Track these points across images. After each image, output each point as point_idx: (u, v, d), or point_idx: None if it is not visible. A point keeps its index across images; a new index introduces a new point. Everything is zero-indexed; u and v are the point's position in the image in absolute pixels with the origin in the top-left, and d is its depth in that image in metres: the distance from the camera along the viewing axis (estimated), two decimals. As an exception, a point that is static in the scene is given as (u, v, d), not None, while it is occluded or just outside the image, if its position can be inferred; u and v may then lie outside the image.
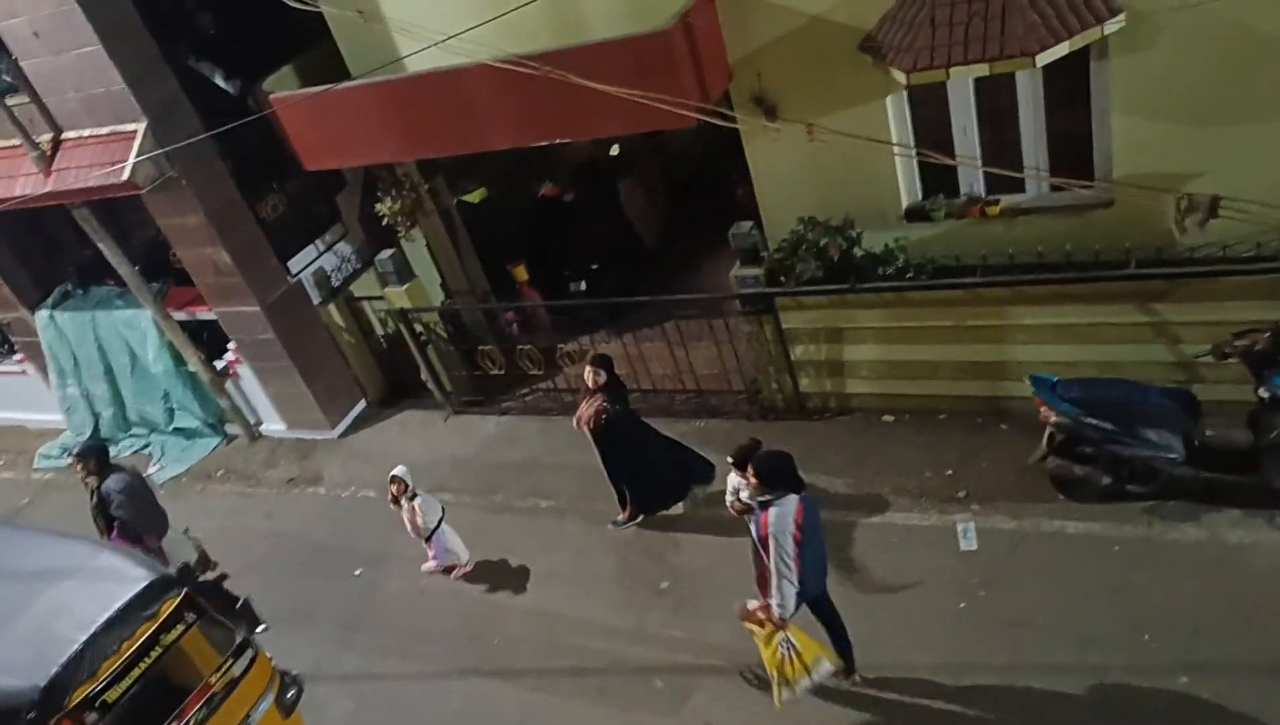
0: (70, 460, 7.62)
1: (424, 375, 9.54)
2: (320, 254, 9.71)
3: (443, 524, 7.48)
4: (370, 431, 9.87)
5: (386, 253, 9.16)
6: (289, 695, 6.17)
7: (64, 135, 8.39)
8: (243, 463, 10.07)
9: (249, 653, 6.01)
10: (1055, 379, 6.28)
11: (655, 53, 6.41)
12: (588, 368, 6.95)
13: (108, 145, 8.14)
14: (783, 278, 7.49)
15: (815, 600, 5.54)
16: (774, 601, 5.19)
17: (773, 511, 5.07)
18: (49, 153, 8.37)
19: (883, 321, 7.30)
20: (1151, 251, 6.54)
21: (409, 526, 7.45)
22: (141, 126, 8.02)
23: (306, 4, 6.82)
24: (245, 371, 9.89)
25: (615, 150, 10.96)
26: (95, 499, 7.20)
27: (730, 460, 5.56)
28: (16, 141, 8.34)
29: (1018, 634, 5.81)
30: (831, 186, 7.44)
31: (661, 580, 7.02)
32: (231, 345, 9.78)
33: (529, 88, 6.54)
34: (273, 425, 10.26)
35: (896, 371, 7.49)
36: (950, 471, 7.07)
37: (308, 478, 9.52)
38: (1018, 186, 7.21)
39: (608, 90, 5.70)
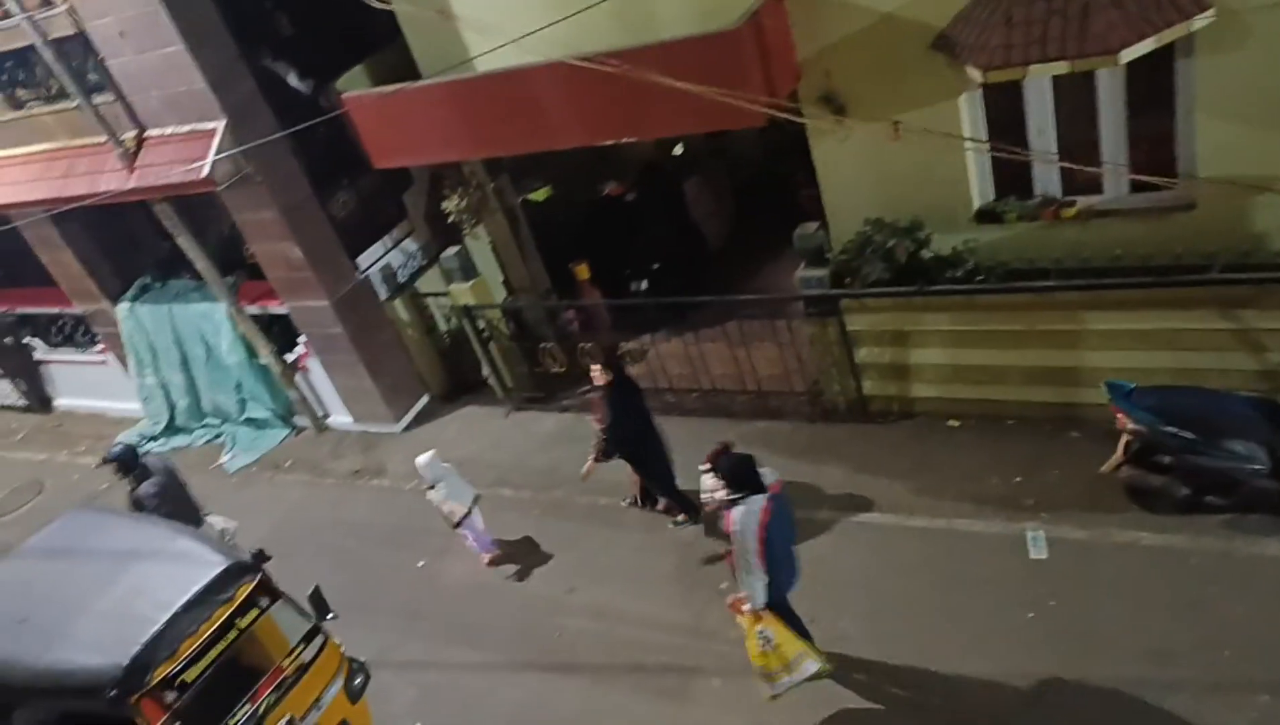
0: (101, 464, 7.74)
1: (485, 372, 9.67)
2: (387, 250, 9.90)
3: (474, 511, 7.62)
4: (433, 426, 10.02)
5: (451, 250, 9.29)
6: (356, 682, 6.30)
7: (147, 133, 8.67)
8: (310, 454, 10.30)
9: (319, 639, 6.15)
10: (1132, 386, 6.13)
11: (725, 51, 6.39)
12: (594, 364, 7.07)
13: (188, 143, 8.39)
14: (848, 279, 7.42)
15: (784, 612, 5.69)
16: (744, 594, 5.45)
17: (738, 510, 5.33)
18: (132, 150, 8.66)
19: (950, 325, 7.19)
20: (1236, 256, 6.33)
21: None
22: (220, 125, 8.26)
23: (384, 3, 6.92)
24: (314, 365, 10.12)
25: (679, 150, 10.95)
26: (130, 501, 7.40)
27: (703, 464, 5.70)
28: (102, 139, 8.64)
29: (1089, 647, 5.67)
30: (900, 187, 7.34)
31: (721, 580, 7.00)
32: (301, 339, 10.00)
33: (597, 86, 6.57)
34: (339, 418, 10.48)
35: (963, 376, 7.36)
36: (1018, 478, 6.92)
37: (372, 470, 9.71)
38: (1094, 188, 7.04)
39: (678, 87, 5.69)
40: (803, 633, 5.75)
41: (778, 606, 5.60)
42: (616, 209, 10.42)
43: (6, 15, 8.30)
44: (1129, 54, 5.70)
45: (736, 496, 5.36)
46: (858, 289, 7.30)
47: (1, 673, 5.48)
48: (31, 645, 5.52)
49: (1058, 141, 7.03)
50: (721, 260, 10.47)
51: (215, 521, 7.85)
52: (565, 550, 7.79)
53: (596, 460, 7.16)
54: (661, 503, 7.67)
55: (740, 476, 5.40)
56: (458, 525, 7.67)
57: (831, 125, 7.12)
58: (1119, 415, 6.16)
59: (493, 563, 7.88)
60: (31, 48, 8.39)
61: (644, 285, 10.01)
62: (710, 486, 5.70)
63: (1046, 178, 7.23)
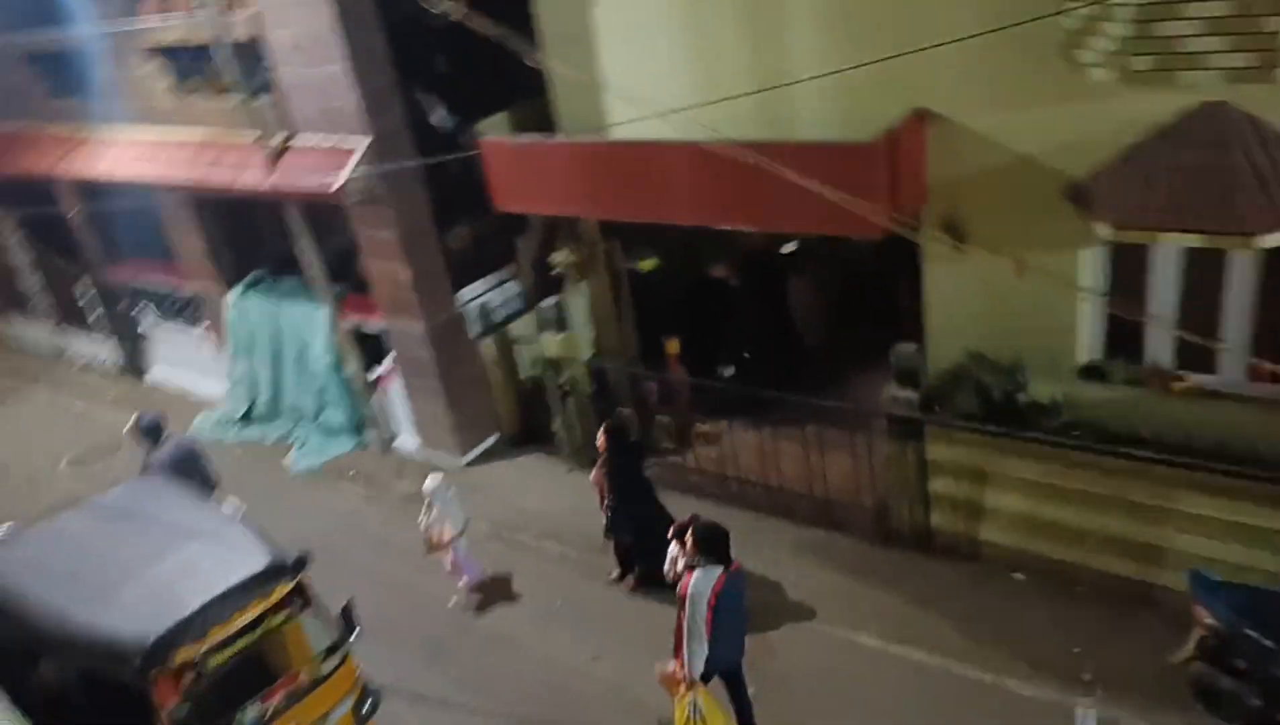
0: (129, 428, 8.38)
1: (557, 424, 9.72)
2: (489, 289, 10.15)
3: (461, 539, 7.99)
4: (495, 466, 10.09)
5: (550, 301, 9.47)
6: (365, 706, 6.27)
7: (294, 139, 9.16)
8: (373, 469, 10.46)
9: (339, 654, 6.16)
10: (1219, 579, 5.79)
11: (858, 162, 6.46)
12: (600, 432, 7.58)
13: (330, 155, 8.83)
14: (937, 406, 7.28)
15: (727, 674, 6.02)
16: (685, 661, 5.64)
17: (696, 574, 5.59)
18: (278, 152, 9.14)
19: (1035, 475, 6.95)
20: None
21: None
22: (363, 144, 8.67)
23: (539, 63, 7.24)
24: (395, 385, 10.34)
25: (791, 246, 11.00)
26: (143, 464, 8.02)
27: (671, 532, 6.09)
28: (253, 137, 9.16)
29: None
30: (1007, 325, 7.21)
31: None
32: (389, 358, 10.26)
33: (725, 172, 6.70)
34: (407, 440, 10.64)
35: (1038, 530, 7.08)
36: (1078, 649, 6.57)
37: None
38: (1209, 366, 6.79)
39: (805, 186, 5.76)
40: (743, 710, 6.04)
41: (729, 679, 5.93)
42: (718, 292, 10.48)
43: (202, 4, 8.94)
44: (1269, 241, 5.54)
45: (696, 562, 5.63)
46: (946, 418, 7.14)
47: (40, 621, 5.62)
48: (73, 600, 5.66)
49: (1178, 311, 6.83)
50: (812, 361, 10.39)
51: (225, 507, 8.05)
52: (598, 617, 7.68)
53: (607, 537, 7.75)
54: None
55: (711, 543, 5.64)
56: (442, 548, 7.94)
57: (948, 251, 7.07)
58: (1198, 607, 5.81)
59: (474, 589, 8.05)
60: (211, 44, 9.00)
61: (731, 371, 10.00)
62: (674, 554, 5.93)
63: (1160, 346, 7.00)
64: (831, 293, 11.09)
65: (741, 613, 5.90)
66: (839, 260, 11.22)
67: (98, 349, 13.71)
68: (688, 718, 5.68)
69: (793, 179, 6.15)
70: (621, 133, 7.79)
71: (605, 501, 7.69)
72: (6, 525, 7.41)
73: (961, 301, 7.49)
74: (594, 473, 7.77)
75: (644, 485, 7.79)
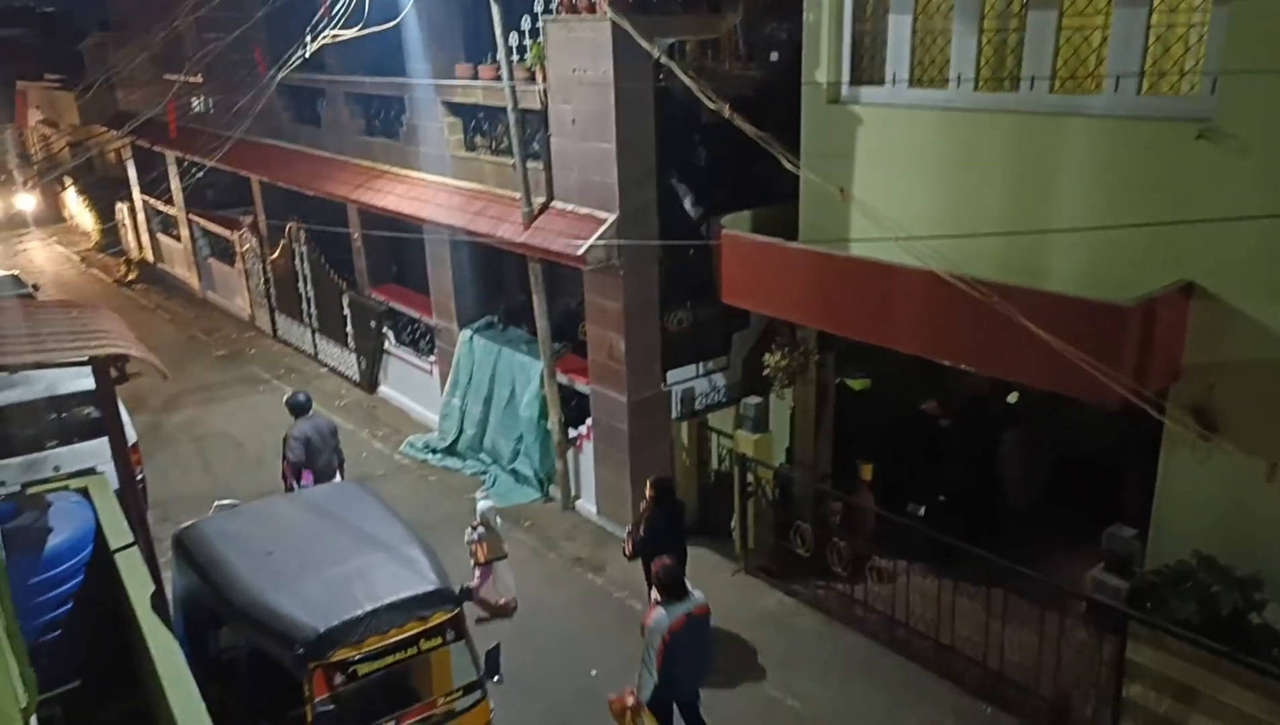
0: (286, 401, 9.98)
1: (734, 523, 9.60)
2: (696, 376, 10.31)
3: (502, 562, 8.92)
4: (665, 551, 10.07)
5: (753, 399, 9.46)
6: (491, 752, 6.32)
7: (552, 203, 9.84)
8: (548, 524, 10.74)
9: (477, 694, 6.27)
10: None
11: (1109, 324, 6.05)
12: (649, 485, 8.23)
13: (579, 222, 9.40)
14: (1148, 604, 6.54)
15: (685, 708, 6.72)
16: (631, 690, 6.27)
17: (657, 611, 6.30)
18: (535, 213, 9.86)
19: (1256, 710, 6.04)
20: None
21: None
22: (611, 218, 9.17)
23: (798, 169, 7.40)
24: (588, 448, 10.64)
25: (1013, 397, 10.43)
26: (284, 437, 9.56)
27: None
28: (517, 196, 9.93)
29: None
30: (1250, 534, 6.42)
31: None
32: (589, 421, 10.59)
33: (960, 307, 6.51)
34: (587, 504, 10.87)
35: (1250, 774, 6.13)
36: None
37: (593, 564, 9.91)
38: None
39: (1045, 339, 5.49)
40: None
41: (661, 711, 6.44)
42: (927, 427, 10.08)
43: (496, 78, 9.91)
44: None
45: (661, 601, 6.31)
46: (1159, 620, 6.40)
47: (231, 590, 6.13)
48: (263, 578, 6.10)
49: None
50: (1012, 522, 9.69)
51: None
52: (733, 733, 7.39)
53: (625, 552, 8.40)
54: None
55: (668, 584, 6.38)
56: (481, 564, 8.85)
57: (1193, 439, 6.44)
58: None
59: (503, 607, 8.90)
60: (502, 109, 9.91)
61: (922, 511, 9.51)
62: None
63: None
64: (1049, 455, 10.38)
65: (702, 654, 6.63)
66: (1064, 423, 10.50)
67: (344, 357, 15.12)
68: None
69: (1032, 328, 5.90)
70: (860, 251, 7.78)
71: (636, 536, 8.21)
72: (229, 501, 8.23)
73: (1199, 496, 6.76)
74: (630, 527, 8.51)
75: (681, 544, 8.17)
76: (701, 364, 10.36)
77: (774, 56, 9.62)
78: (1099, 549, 6.97)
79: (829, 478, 9.84)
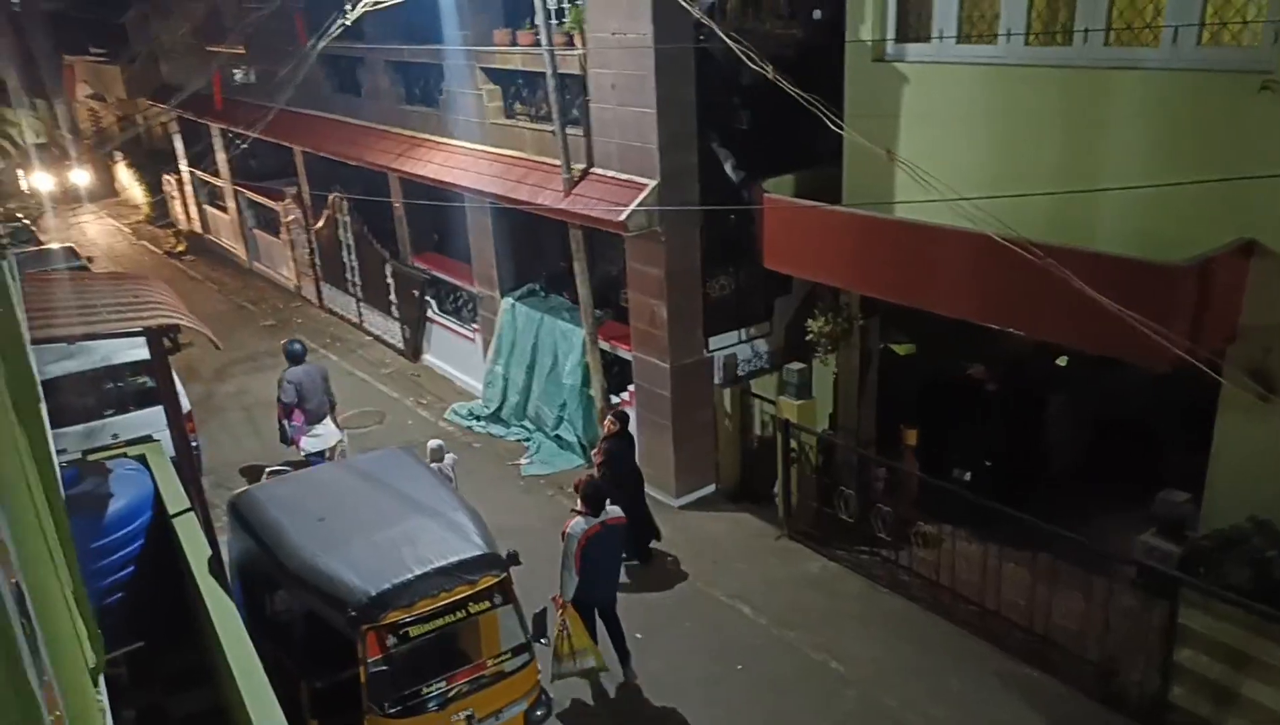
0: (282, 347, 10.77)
1: (776, 488, 9.60)
2: (739, 342, 10.27)
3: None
4: (706, 515, 10.12)
5: (796, 365, 9.41)
6: (539, 712, 6.45)
7: (593, 170, 9.80)
8: (592, 490, 10.82)
9: (525, 656, 6.39)
10: None
11: (1163, 284, 5.92)
12: (609, 416, 9.19)
13: (620, 188, 9.35)
14: (1201, 568, 6.44)
15: (603, 612, 7.47)
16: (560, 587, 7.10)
17: (576, 519, 7.12)
18: (576, 179, 9.82)
19: (1312, 676, 5.96)
20: None
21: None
22: (652, 183, 9.11)
23: (843, 130, 7.28)
24: (630, 413, 10.67)
25: (1063, 361, 10.25)
26: (278, 380, 10.22)
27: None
28: (556, 162, 9.90)
29: None
30: (1308, 499, 6.28)
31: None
32: (630, 387, 10.62)
33: (1009, 270, 6.40)
34: (631, 470, 10.92)
35: (1305, 740, 6.05)
36: None
37: (638, 530, 9.98)
38: None
39: (1098, 300, 5.38)
40: (618, 640, 7.51)
41: (584, 609, 7.15)
42: (972, 392, 9.94)
43: (535, 43, 9.85)
44: None
45: (580, 512, 7.11)
46: (1210, 585, 6.31)
47: (285, 555, 6.28)
48: (316, 543, 6.25)
49: None
50: (1059, 487, 9.57)
51: (331, 429, 10.39)
52: (776, 696, 7.44)
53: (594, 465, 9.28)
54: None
55: (591, 497, 7.14)
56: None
57: (1251, 401, 6.29)
58: None
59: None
60: (541, 75, 9.86)
61: (967, 476, 9.42)
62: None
63: None
64: (1097, 419, 10.20)
65: (615, 563, 7.52)
66: (1113, 386, 10.30)
67: (388, 326, 15.29)
68: (559, 633, 7.05)
69: (1084, 290, 5.77)
70: (905, 213, 7.66)
71: (602, 458, 9.07)
72: (280, 467, 8.40)
73: (1256, 459, 6.61)
74: (595, 451, 9.34)
75: (637, 476, 9.27)
76: (744, 330, 10.32)
77: (816, 14, 9.43)
78: (1147, 514, 6.88)
79: (873, 443, 9.79)
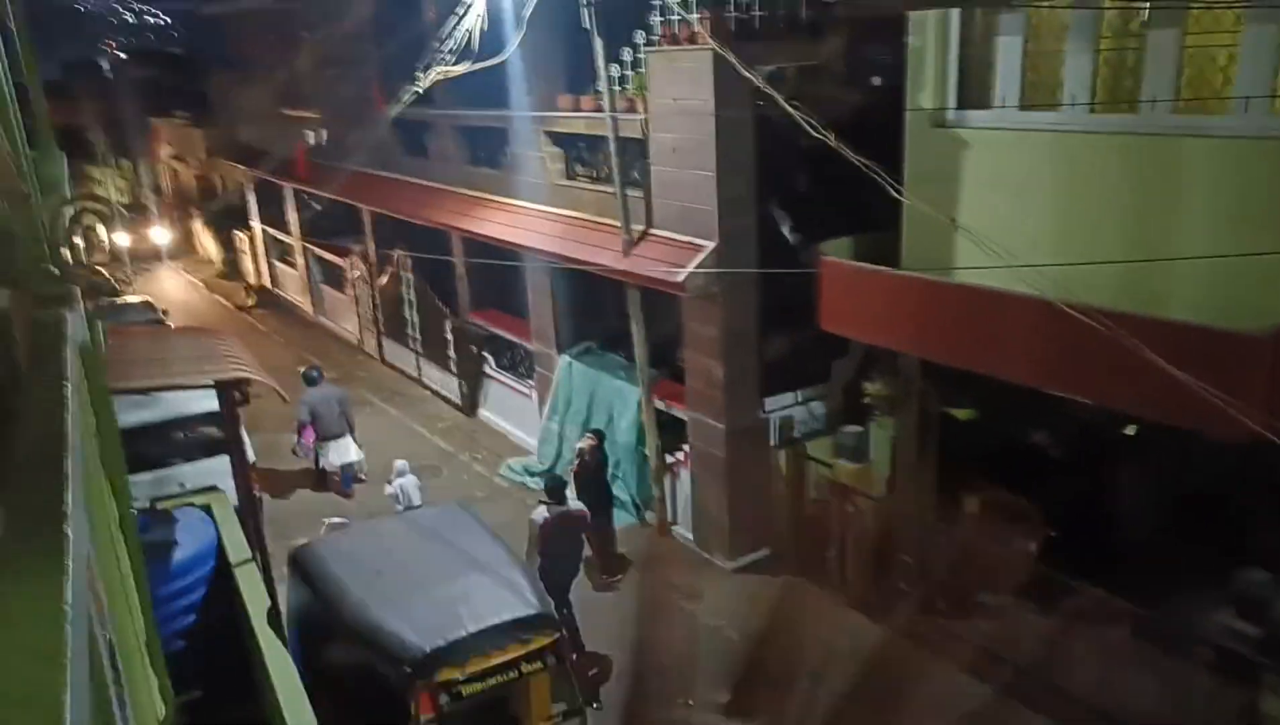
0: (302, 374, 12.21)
1: (831, 553, 9.41)
2: (795, 404, 10.20)
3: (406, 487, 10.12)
4: (760, 579, 9.96)
5: (852, 428, 9.31)
6: (588, 777, 6.34)
7: (651, 230, 9.93)
8: (643, 549, 10.74)
9: (575, 721, 6.31)
10: None
11: (1238, 353, 5.77)
12: (587, 437, 10.16)
13: (678, 250, 9.45)
14: (1284, 654, 6.14)
15: (561, 590, 8.16)
16: None
17: (539, 508, 8.25)
18: (635, 240, 9.96)
19: None
20: None
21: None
22: (710, 245, 9.19)
23: (902, 196, 7.31)
24: (684, 475, 10.62)
25: (1132, 429, 9.96)
26: (299, 402, 11.39)
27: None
28: (616, 223, 10.06)
29: None
30: (1399, 582, 5.97)
31: None
32: (685, 447, 10.58)
33: (1074, 336, 6.28)
34: (683, 531, 10.84)
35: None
36: None
37: (687, 591, 9.85)
38: None
39: (1168, 369, 5.25)
40: (568, 621, 7.97)
41: (549, 589, 7.41)
42: (1035, 459, 9.70)
43: (597, 108, 10.09)
44: None
45: (542, 502, 8.26)
46: (1293, 671, 6.01)
47: (342, 606, 6.34)
48: (372, 596, 6.31)
49: None
50: (1128, 561, 9.20)
51: (348, 446, 11.92)
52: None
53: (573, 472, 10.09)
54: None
55: (551, 490, 8.37)
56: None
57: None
58: None
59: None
60: (602, 138, 10.08)
61: (1033, 546, 9.12)
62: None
63: None
64: (1171, 491, 9.85)
65: (574, 551, 8.44)
66: (1186, 457, 9.95)
67: (446, 380, 15.52)
68: None
69: (1153, 359, 5.64)
70: (965, 278, 7.60)
71: (578, 469, 9.91)
72: (339, 519, 8.52)
73: (1341, 539, 6.34)
74: (574, 468, 10.13)
75: (608, 496, 10.17)
76: (800, 392, 10.25)
77: (876, 81, 9.52)
78: (1226, 593, 6.60)
79: (932, 509, 9.56)
